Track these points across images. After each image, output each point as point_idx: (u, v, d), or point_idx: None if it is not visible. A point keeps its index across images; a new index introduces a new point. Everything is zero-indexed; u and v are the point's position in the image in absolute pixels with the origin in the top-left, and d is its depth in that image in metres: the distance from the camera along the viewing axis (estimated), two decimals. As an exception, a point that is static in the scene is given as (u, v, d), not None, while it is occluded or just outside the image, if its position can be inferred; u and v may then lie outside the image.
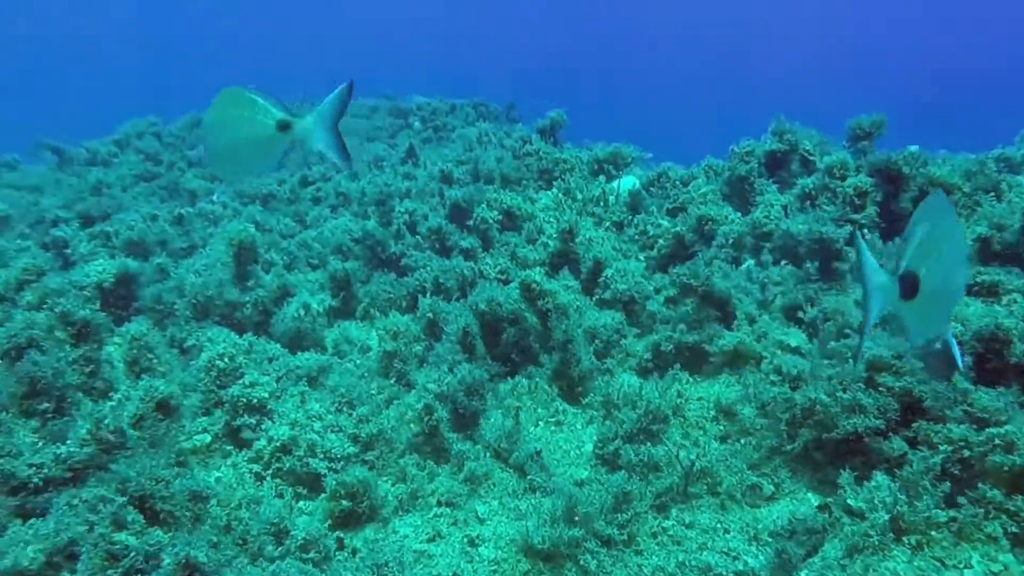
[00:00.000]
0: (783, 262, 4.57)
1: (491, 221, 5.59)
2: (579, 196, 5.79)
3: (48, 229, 6.16)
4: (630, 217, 5.54)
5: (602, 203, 5.69)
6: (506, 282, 4.77)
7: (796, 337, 3.94)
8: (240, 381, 3.61)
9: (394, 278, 5.13)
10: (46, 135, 9.81)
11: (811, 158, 5.25)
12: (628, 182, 5.78)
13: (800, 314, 4.14)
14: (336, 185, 7.13)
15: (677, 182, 5.73)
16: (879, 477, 2.91)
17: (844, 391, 3.17)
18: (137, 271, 4.72)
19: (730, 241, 4.80)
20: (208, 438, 3.53)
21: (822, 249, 4.43)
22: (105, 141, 9.86)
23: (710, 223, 4.93)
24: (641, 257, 5.19)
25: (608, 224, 5.54)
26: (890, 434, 3.11)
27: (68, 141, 9.76)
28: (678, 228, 4.99)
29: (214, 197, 7.32)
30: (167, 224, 6.18)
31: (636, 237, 5.38)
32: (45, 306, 3.59)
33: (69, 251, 5.60)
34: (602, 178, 6.02)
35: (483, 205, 5.67)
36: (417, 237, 5.54)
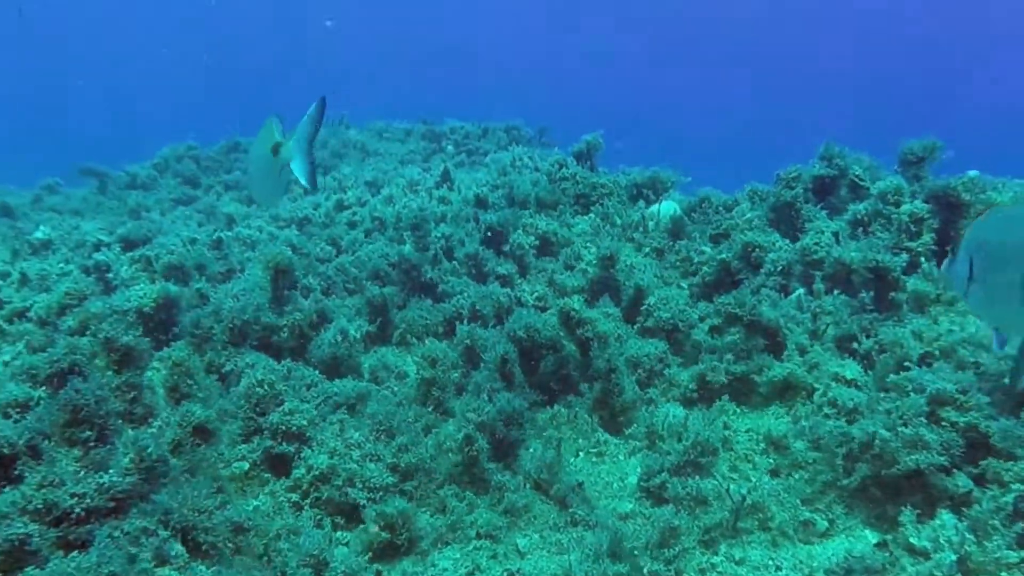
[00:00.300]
0: (835, 291, 4.42)
1: (527, 247, 5.54)
2: (618, 221, 5.72)
3: (90, 253, 6.23)
4: (671, 243, 5.44)
5: (641, 229, 5.60)
6: (543, 309, 4.70)
7: (852, 369, 3.80)
8: (280, 408, 3.57)
9: (430, 304, 5.08)
10: (86, 157, 10.06)
11: (862, 183, 5.09)
12: (668, 207, 5.69)
13: (854, 345, 4.00)
14: (372, 209, 7.13)
15: (720, 208, 5.61)
16: (944, 515, 2.81)
17: (905, 425, 3.04)
18: (177, 296, 4.71)
19: (778, 269, 4.66)
20: (246, 466, 3.48)
21: (877, 278, 4.27)
22: (145, 165, 10.07)
23: (757, 250, 4.80)
24: (683, 284, 5.08)
25: (648, 250, 5.45)
26: (954, 471, 2.98)
27: (109, 164, 9.98)
28: (723, 255, 4.86)
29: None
30: (205, 248, 6.20)
31: (678, 264, 5.27)
32: (87, 331, 3.59)
33: (111, 275, 5.63)
34: (641, 203, 5.94)
35: (519, 231, 5.62)
36: (454, 263, 5.50)
